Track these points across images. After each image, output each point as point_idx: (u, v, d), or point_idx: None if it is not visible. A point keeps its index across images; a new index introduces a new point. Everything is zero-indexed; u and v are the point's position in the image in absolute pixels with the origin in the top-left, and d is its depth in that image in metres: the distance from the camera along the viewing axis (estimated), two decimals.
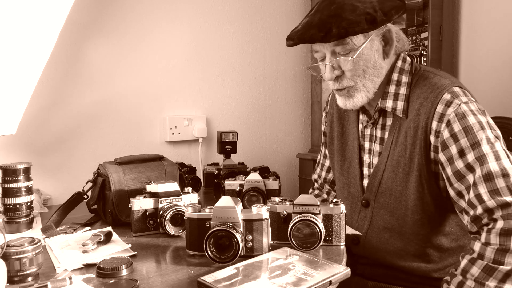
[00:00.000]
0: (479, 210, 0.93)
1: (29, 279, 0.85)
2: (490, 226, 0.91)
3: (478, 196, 0.93)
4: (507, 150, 0.97)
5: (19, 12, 1.51)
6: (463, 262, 0.93)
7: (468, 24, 1.89)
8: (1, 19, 1.48)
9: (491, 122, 1.00)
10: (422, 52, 1.85)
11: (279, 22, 2.27)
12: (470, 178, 0.95)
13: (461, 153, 0.97)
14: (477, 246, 0.92)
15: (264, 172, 1.45)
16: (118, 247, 1.02)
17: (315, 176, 1.49)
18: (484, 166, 0.93)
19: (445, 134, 0.99)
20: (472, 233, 0.97)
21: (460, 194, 0.98)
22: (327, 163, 1.41)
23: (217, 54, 2.07)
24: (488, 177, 0.92)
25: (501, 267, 0.87)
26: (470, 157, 0.95)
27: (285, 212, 1.02)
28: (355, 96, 1.08)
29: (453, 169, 0.98)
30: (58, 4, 1.61)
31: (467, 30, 1.90)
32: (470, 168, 0.95)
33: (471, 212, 0.95)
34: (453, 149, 0.98)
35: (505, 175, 0.92)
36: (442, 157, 1.00)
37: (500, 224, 0.89)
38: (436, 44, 1.80)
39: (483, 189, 0.92)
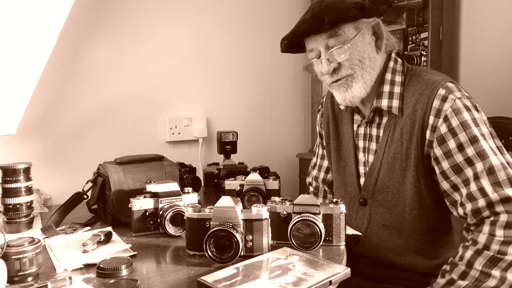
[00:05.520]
0: (482, 203, 0.95)
1: (29, 279, 0.85)
2: (492, 219, 0.94)
3: (481, 190, 0.96)
4: (502, 146, 1.02)
5: (19, 12, 1.51)
6: (468, 253, 0.95)
7: (468, 24, 1.89)
8: (1, 19, 1.48)
9: (485, 118, 1.05)
10: (422, 52, 1.85)
11: (279, 22, 2.27)
12: (468, 171, 0.98)
13: (460, 147, 1.00)
14: (482, 238, 0.94)
15: (264, 172, 1.45)
16: (118, 247, 1.02)
17: (309, 179, 1.49)
18: (486, 161, 0.97)
19: (443, 129, 1.02)
20: (469, 224, 0.99)
21: (455, 187, 1.01)
22: (325, 163, 1.41)
23: (217, 54, 2.07)
24: (490, 171, 0.96)
25: (506, 257, 0.91)
26: (470, 151, 0.98)
27: (285, 212, 1.02)
28: (353, 87, 1.09)
29: (451, 163, 1.01)
30: (58, 4, 1.61)
31: (467, 30, 1.90)
32: (469, 162, 0.98)
33: (469, 206, 0.97)
34: (451, 144, 1.01)
35: (505, 168, 0.96)
36: (438, 151, 1.03)
37: (504, 217, 0.93)
38: (436, 44, 1.80)
39: (486, 183, 0.96)
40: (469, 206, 0.97)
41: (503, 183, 0.94)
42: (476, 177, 0.97)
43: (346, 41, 1.05)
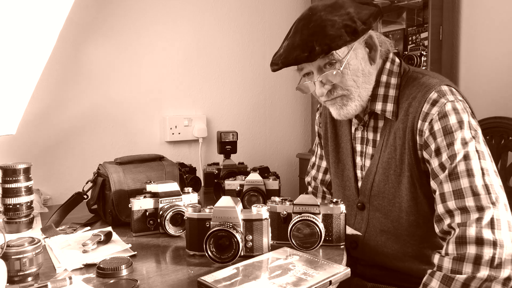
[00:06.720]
0: (440, 209, 0.93)
1: (29, 279, 0.85)
2: (449, 236, 0.90)
3: (442, 195, 0.93)
4: (483, 150, 0.95)
5: (19, 12, 1.51)
6: (425, 277, 0.91)
7: (468, 24, 1.89)
8: (1, 19, 1.48)
9: (473, 122, 0.99)
10: (422, 52, 1.85)
11: (279, 22, 2.27)
12: (441, 177, 0.95)
13: (437, 152, 0.97)
14: (436, 259, 0.91)
15: (264, 172, 1.45)
16: (118, 247, 1.02)
17: (308, 179, 1.48)
18: (451, 165, 0.93)
19: (426, 133, 0.99)
20: (438, 234, 0.96)
21: (435, 193, 0.98)
22: (324, 164, 1.41)
23: (217, 54, 2.07)
24: (454, 177, 0.92)
25: (458, 276, 0.85)
26: (444, 156, 0.95)
27: (285, 212, 1.02)
28: (349, 105, 1.06)
29: (430, 167, 0.99)
30: (58, 4, 1.61)
31: (467, 30, 1.90)
32: (442, 167, 0.95)
33: (436, 212, 0.95)
34: (432, 148, 0.98)
35: (470, 175, 0.90)
36: (425, 155, 1.00)
37: (456, 232, 0.88)
38: (436, 44, 1.80)
39: (447, 188, 0.93)
40: (439, 211, 0.94)
41: (465, 191, 0.90)
42: (441, 182, 0.94)
43: (338, 62, 1.02)
